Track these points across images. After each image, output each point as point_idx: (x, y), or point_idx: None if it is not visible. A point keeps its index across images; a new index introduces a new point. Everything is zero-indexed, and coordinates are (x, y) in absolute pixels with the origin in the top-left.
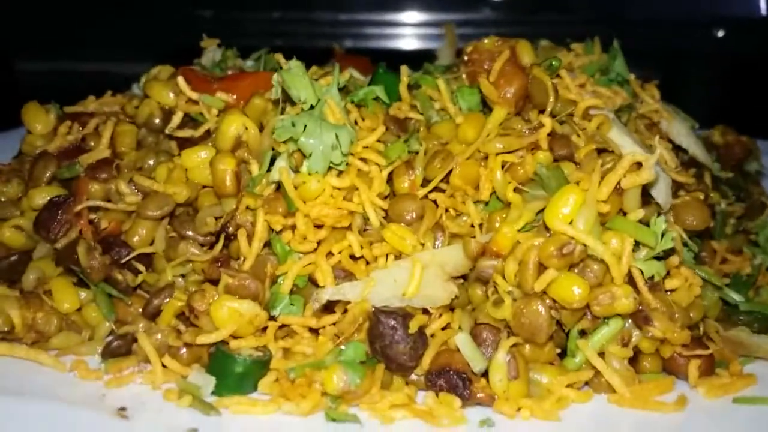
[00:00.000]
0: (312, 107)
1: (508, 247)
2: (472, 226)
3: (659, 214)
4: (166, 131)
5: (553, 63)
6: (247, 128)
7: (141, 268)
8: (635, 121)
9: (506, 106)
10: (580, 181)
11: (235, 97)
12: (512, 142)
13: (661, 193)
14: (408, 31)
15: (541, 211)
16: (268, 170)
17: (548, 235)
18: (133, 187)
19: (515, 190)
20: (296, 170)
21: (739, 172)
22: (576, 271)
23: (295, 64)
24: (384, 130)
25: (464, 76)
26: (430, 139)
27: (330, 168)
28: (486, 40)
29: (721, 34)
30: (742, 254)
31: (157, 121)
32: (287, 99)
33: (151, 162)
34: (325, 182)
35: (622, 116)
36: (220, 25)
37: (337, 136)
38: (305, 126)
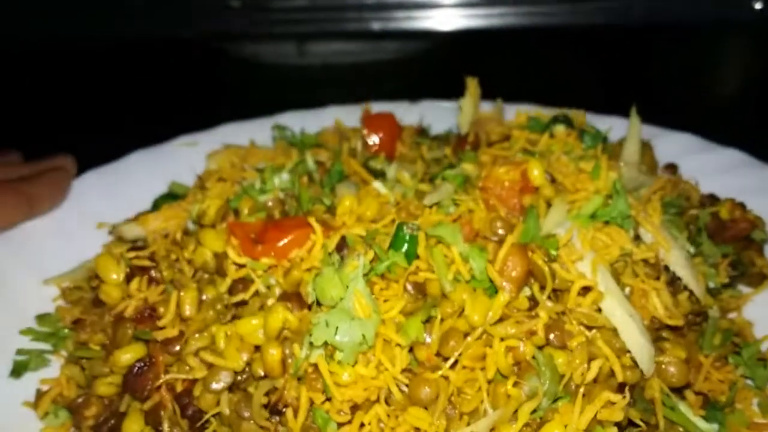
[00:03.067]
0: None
1: None
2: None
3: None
4: (220, 291)
5: (552, 252)
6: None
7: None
8: (632, 266)
9: (509, 291)
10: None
11: (275, 254)
12: (513, 329)
13: (644, 364)
14: (437, 13)
15: (535, 411)
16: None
17: None
18: (199, 360)
19: (515, 384)
20: (331, 356)
21: (744, 241)
22: None
23: (327, 271)
24: (404, 301)
25: (480, 200)
26: (445, 306)
27: None
28: (501, 170)
29: (759, 6)
30: (726, 365)
31: (211, 264)
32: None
33: (212, 320)
34: (355, 372)
35: (619, 261)
36: (248, 14)
37: (364, 336)
38: (337, 327)
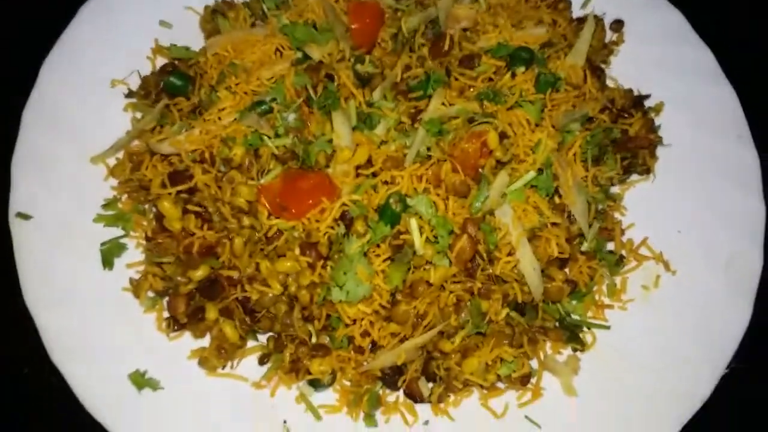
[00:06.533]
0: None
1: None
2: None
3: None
4: (258, 235)
5: (490, 243)
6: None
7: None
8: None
9: (456, 267)
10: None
11: (297, 216)
12: (458, 285)
13: (536, 295)
14: None
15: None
16: None
17: None
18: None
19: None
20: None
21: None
22: None
23: (339, 263)
24: (388, 256)
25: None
26: (416, 261)
27: None
28: (466, 144)
29: None
30: (593, 258)
31: (246, 208)
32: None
33: (254, 250)
34: (360, 310)
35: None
36: None
37: (364, 295)
38: (348, 291)
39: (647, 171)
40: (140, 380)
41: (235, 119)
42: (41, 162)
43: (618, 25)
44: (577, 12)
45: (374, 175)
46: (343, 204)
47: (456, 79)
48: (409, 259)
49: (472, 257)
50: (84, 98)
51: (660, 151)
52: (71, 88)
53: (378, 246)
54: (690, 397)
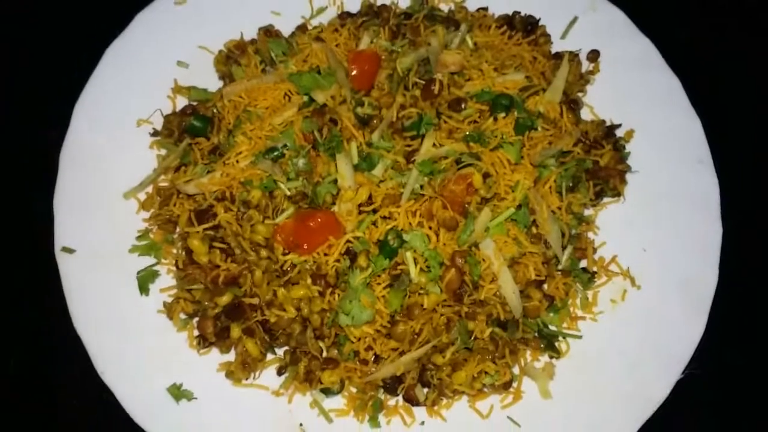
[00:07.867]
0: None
1: None
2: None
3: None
4: (275, 266)
5: (475, 274)
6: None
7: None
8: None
9: (446, 295)
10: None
11: (308, 251)
12: (448, 309)
13: (516, 313)
14: None
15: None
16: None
17: None
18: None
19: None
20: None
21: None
22: None
23: (345, 294)
24: (387, 284)
25: (440, 200)
26: (412, 287)
27: None
28: (454, 186)
29: None
30: (569, 276)
31: (263, 243)
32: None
33: (272, 279)
34: (363, 330)
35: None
36: None
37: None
38: (353, 317)
39: (618, 194)
40: (177, 392)
41: (252, 162)
42: (79, 199)
43: (594, 54)
44: (556, 41)
45: (374, 211)
46: (348, 240)
47: (445, 122)
48: (406, 286)
49: (459, 286)
50: (114, 137)
51: (628, 174)
52: (102, 128)
53: (379, 276)
54: (649, 399)
